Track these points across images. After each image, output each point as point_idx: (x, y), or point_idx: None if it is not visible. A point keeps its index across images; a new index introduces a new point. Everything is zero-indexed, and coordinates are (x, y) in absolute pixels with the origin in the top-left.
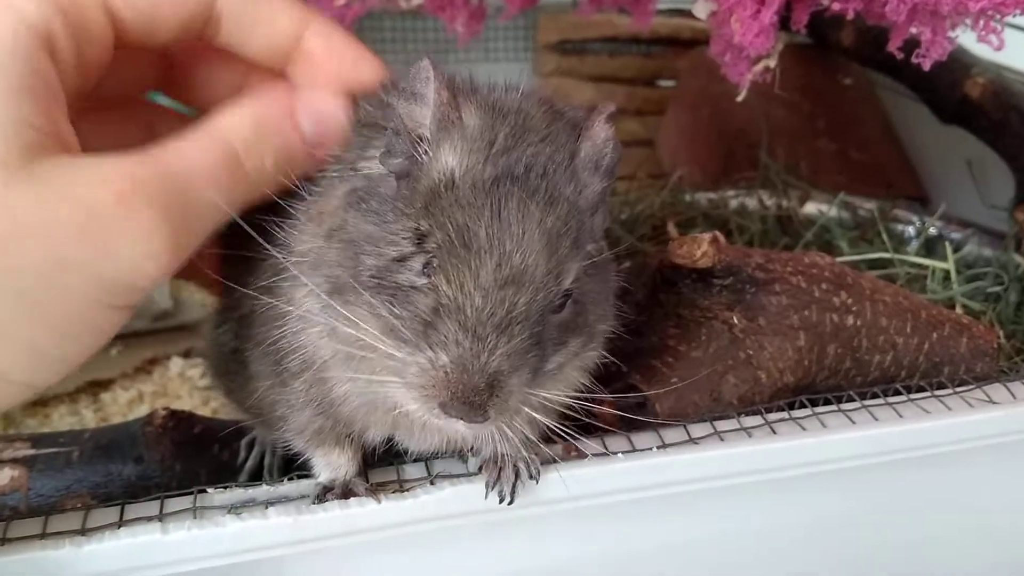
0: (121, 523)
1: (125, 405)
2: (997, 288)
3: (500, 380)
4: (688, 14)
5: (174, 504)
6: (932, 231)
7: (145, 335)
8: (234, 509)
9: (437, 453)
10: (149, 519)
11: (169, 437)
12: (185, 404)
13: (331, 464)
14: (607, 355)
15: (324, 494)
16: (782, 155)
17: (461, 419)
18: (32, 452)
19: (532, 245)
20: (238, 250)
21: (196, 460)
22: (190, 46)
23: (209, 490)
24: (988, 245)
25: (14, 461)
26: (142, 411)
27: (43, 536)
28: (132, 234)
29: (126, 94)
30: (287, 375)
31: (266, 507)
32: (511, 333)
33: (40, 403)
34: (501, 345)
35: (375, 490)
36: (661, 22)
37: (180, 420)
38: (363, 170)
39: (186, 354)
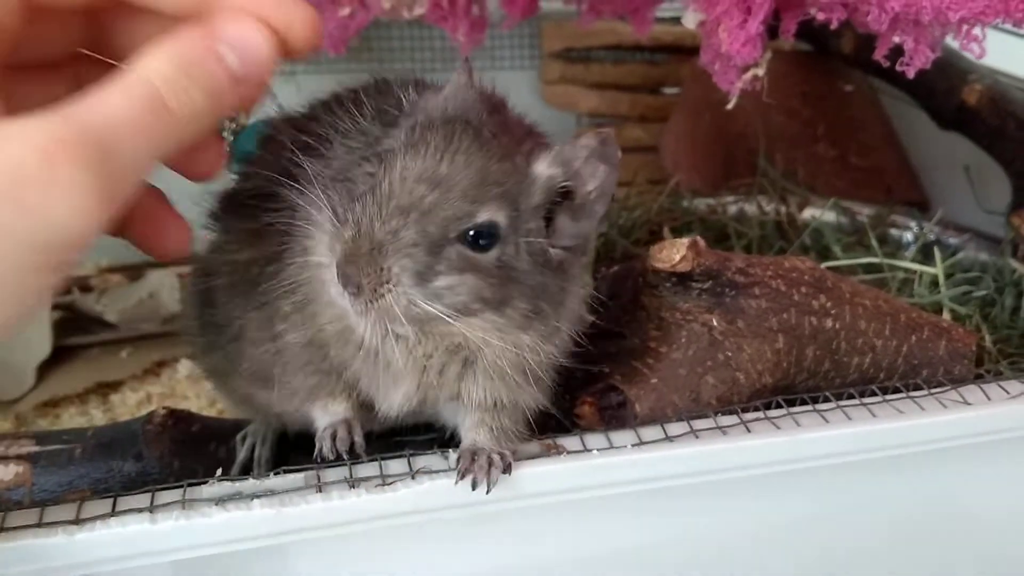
0: (113, 513)
1: (134, 406)
2: (985, 292)
3: (382, 251)
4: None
5: (165, 496)
6: (930, 236)
7: (154, 338)
8: (221, 501)
9: (409, 424)
10: (140, 510)
11: (168, 435)
12: (192, 405)
13: (329, 412)
14: (568, 360)
15: (332, 440)
16: (781, 161)
17: (342, 284)
18: (36, 449)
19: (461, 166)
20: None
21: (194, 457)
22: (110, 5)
23: (198, 483)
24: (985, 250)
25: (19, 457)
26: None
27: (39, 525)
28: (59, 192)
29: (51, 57)
30: (284, 327)
31: (251, 499)
32: (408, 220)
33: (51, 404)
34: (396, 225)
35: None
36: (665, 30)
37: (179, 419)
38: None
39: (194, 356)
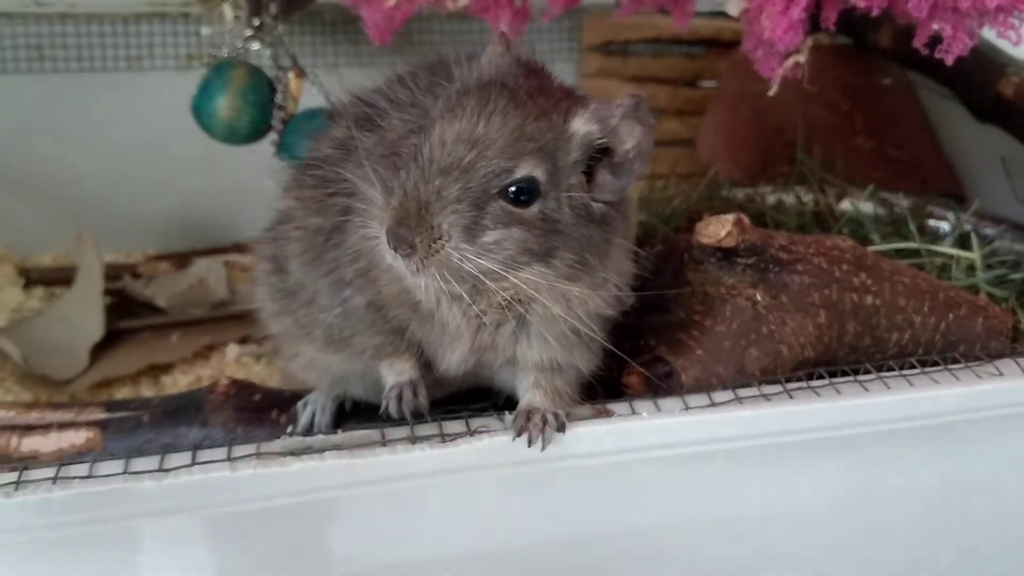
0: (194, 463)
1: (184, 387)
2: (1022, 277)
3: (429, 210)
4: (730, 16)
5: (239, 451)
6: (966, 227)
7: (203, 323)
8: (293, 454)
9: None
10: (219, 461)
11: (231, 403)
12: None
13: (395, 370)
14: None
15: (399, 398)
16: (820, 153)
17: (396, 249)
18: (105, 416)
19: (497, 126)
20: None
21: (256, 424)
22: None
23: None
24: (1021, 241)
25: (89, 424)
26: None
27: (125, 473)
28: None
29: None
30: (349, 292)
31: (323, 452)
32: (450, 179)
33: (104, 384)
34: (439, 185)
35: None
36: (703, 23)
37: (241, 388)
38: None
39: (242, 340)
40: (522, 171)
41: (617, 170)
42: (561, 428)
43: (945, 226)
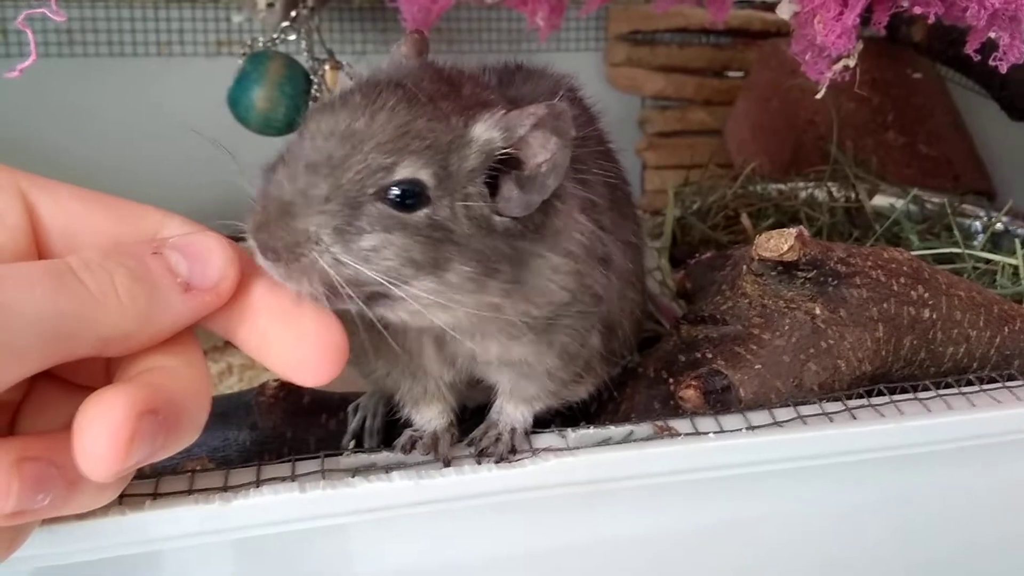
0: (259, 482)
1: (216, 376)
2: None
3: (291, 212)
4: (758, 6)
5: (302, 467)
6: (998, 226)
7: None
8: (359, 472)
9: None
10: (283, 479)
11: (280, 406)
12: (270, 376)
13: (423, 416)
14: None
15: (412, 444)
16: (851, 148)
17: (261, 255)
18: None
19: (381, 122)
20: None
21: (305, 428)
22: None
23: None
24: None
25: None
26: (231, 382)
27: (191, 492)
28: None
29: None
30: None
31: (387, 471)
32: (318, 176)
33: None
34: (304, 184)
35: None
36: (732, 13)
37: (290, 391)
38: None
39: None
40: (403, 172)
41: (526, 184)
42: (512, 451)
43: (977, 224)
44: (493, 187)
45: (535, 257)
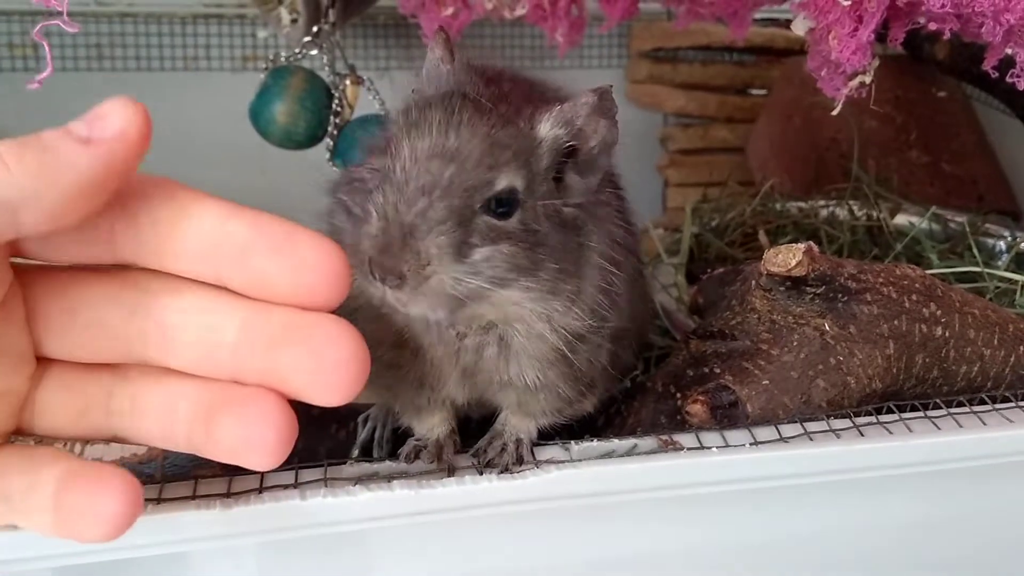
0: (261, 489)
1: None
2: None
3: (415, 234)
4: (781, 24)
5: (306, 475)
6: (1023, 246)
7: None
8: (361, 481)
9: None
10: (286, 487)
11: None
12: None
13: (424, 425)
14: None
15: (416, 453)
16: (873, 166)
17: (382, 281)
18: None
19: (468, 137)
20: None
21: (315, 438)
22: None
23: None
24: None
25: None
26: None
27: (194, 497)
28: None
29: None
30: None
31: (389, 480)
32: (432, 198)
33: None
34: (422, 206)
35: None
36: (755, 31)
37: (300, 402)
38: None
39: None
40: (503, 182)
41: (584, 169)
42: (518, 461)
43: (1001, 244)
44: (556, 180)
45: (588, 250)
